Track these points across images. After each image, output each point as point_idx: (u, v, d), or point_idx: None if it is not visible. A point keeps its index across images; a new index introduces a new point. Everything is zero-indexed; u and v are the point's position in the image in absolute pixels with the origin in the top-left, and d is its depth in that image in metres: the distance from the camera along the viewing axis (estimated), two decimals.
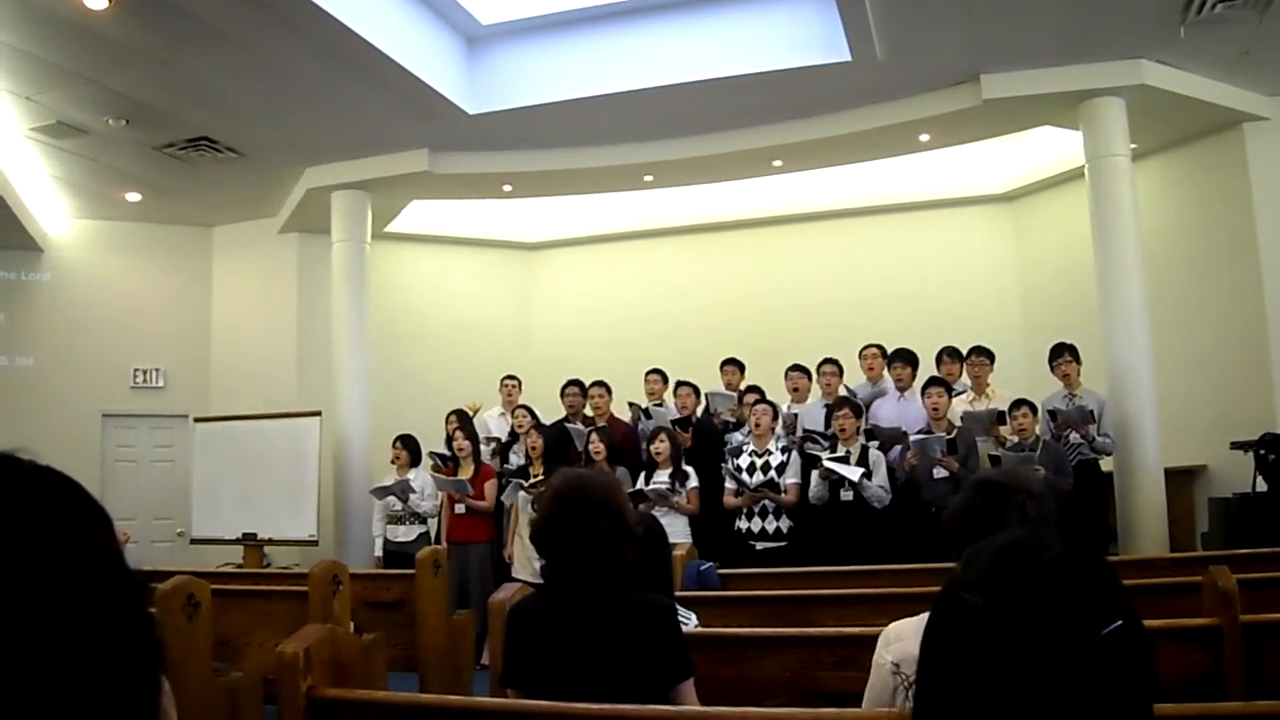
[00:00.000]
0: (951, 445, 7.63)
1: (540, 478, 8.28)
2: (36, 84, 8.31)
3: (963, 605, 1.27)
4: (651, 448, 8.17)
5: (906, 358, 8.63)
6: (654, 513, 7.59)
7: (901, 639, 2.33)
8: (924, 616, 1.38)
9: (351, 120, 9.42)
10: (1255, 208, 9.27)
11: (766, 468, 7.76)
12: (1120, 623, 1.21)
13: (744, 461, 7.86)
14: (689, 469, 8.03)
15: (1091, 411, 7.93)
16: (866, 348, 9.05)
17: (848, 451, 7.72)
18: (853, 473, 7.48)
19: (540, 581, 2.83)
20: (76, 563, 1.03)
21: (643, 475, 8.16)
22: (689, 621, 3.73)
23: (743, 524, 7.76)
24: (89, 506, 1.09)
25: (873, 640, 2.46)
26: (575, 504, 2.72)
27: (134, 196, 11.18)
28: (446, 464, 9.16)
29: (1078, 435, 7.94)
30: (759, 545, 7.66)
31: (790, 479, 7.75)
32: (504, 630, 2.80)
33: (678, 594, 4.32)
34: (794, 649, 3.77)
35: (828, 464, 7.55)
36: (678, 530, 7.71)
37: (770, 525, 7.69)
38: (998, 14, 7.84)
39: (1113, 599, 1.24)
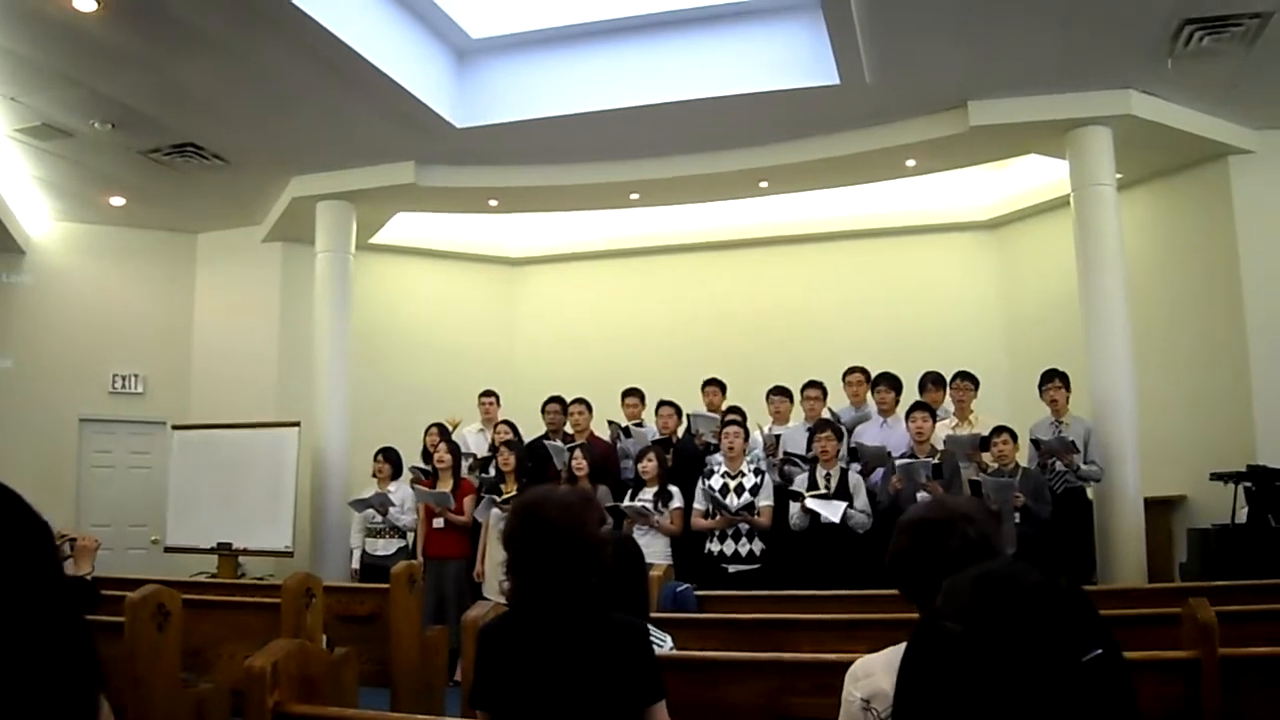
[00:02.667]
0: (937, 470, 7.62)
1: (513, 495, 8.23)
2: (22, 85, 8.26)
3: (942, 634, 1.25)
4: (639, 466, 8.14)
5: (890, 382, 8.61)
6: (634, 531, 7.62)
7: (870, 675, 2.30)
8: (892, 651, 1.37)
9: (338, 131, 9.40)
10: (1239, 240, 9.31)
11: (740, 489, 7.72)
12: (1100, 650, 1.20)
13: (716, 483, 7.81)
14: (674, 489, 8.00)
15: (1073, 441, 7.94)
16: (850, 371, 9.03)
17: (828, 474, 7.70)
18: (835, 514, 7.45)
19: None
20: (12, 582, 0.99)
21: (628, 493, 8.13)
22: (664, 644, 3.70)
23: (714, 546, 7.71)
24: (29, 522, 1.06)
25: (849, 667, 2.43)
26: (529, 521, 2.69)
27: (118, 201, 11.13)
28: (426, 478, 9.11)
29: (1062, 464, 7.94)
30: (731, 568, 7.61)
31: (764, 501, 7.71)
32: (474, 649, 2.76)
33: (653, 615, 4.28)
34: (769, 674, 3.74)
35: (810, 504, 7.53)
36: (657, 550, 7.68)
37: (744, 548, 7.65)
38: (987, 41, 7.87)
39: (1092, 627, 1.23)
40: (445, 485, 8.78)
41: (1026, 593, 1.24)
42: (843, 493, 7.62)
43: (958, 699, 1.20)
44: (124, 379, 11.94)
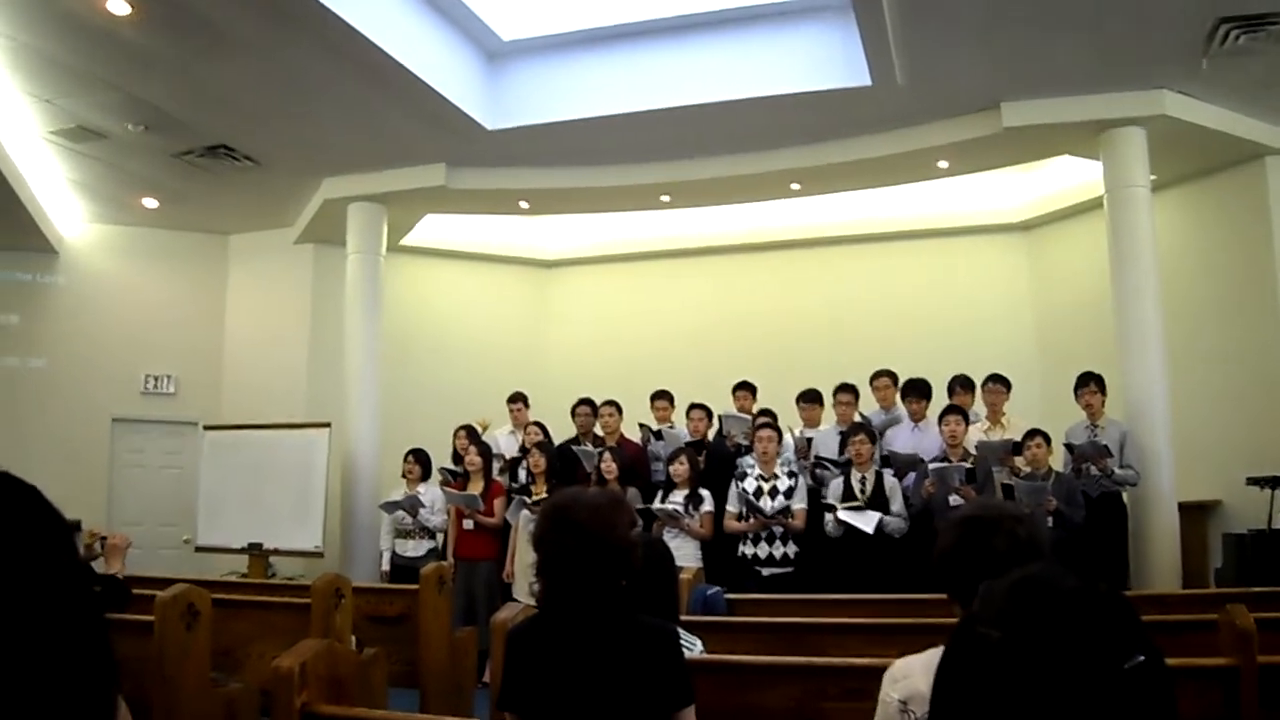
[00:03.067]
0: (970, 474, 7.56)
1: (544, 496, 8.22)
2: (58, 88, 8.33)
3: (979, 640, 1.22)
4: (671, 468, 8.11)
5: (920, 390, 8.52)
6: (664, 534, 7.59)
7: (909, 676, 2.27)
8: (931, 653, 1.34)
9: (370, 133, 9.43)
10: (1275, 241, 9.21)
11: (774, 492, 7.68)
12: (1142, 658, 1.17)
13: (750, 486, 7.78)
14: (705, 492, 7.97)
15: (1105, 445, 7.84)
16: (877, 376, 8.96)
17: (863, 478, 7.66)
18: (868, 525, 7.41)
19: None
20: (28, 578, 0.98)
21: (659, 495, 8.10)
22: (694, 648, 3.67)
23: (748, 549, 7.67)
24: (47, 518, 1.05)
25: (881, 672, 2.41)
26: (560, 523, 2.67)
27: (151, 202, 11.20)
28: (456, 479, 9.11)
29: (1096, 469, 7.86)
30: (766, 571, 7.57)
31: (798, 504, 7.67)
32: (503, 651, 2.75)
33: (683, 618, 4.26)
34: (800, 679, 3.71)
35: (843, 516, 7.49)
36: (688, 553, 7.66)
37: (778, 551, 7.61)
38: (1019, 42, 7.80)
39: (1134, 633, 1.20)
40: (476, 487, 8.78)
41: (1066, 598, 1.21)
42: (879, 496, 7.58)
43: (995, 706, 1.17)
44: (156, 379, 12.02)
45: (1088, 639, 1.17)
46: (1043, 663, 1.15)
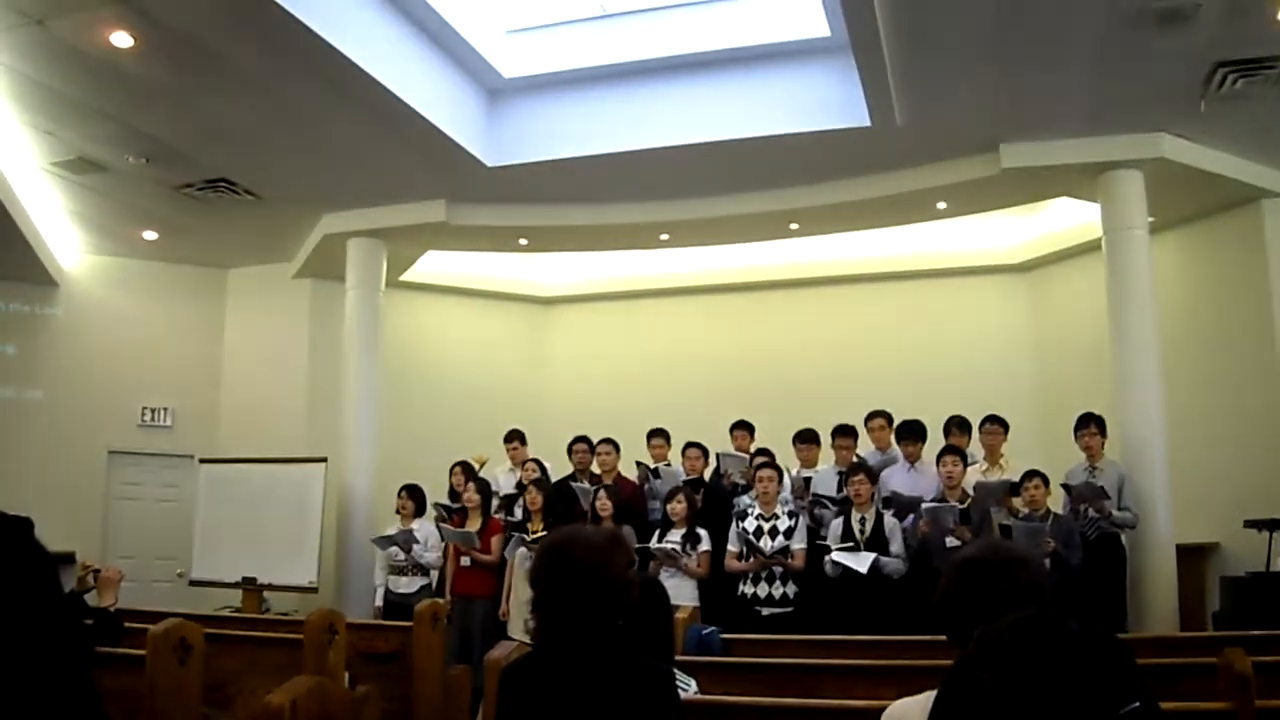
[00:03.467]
0: (964, 515, 7.54)
1: (540, 534, 8.18)
2: (58, 119, 8.36)
3: (974, 683, 1.21)
4: (668, 506, 8.08)
5: (915, 431, 8.49)
6: (662, 572, 7.56)
7: (905, 718, 2.26)
8: (928, 695, 1.33)
9: (370, 168, 9.46)
10: (1272, 284, 9.24)
11: (775, 532, 7.66)
12: (1138, 704, 1.16)
13: (750, 525, 7.76)
14: (702, 532, 7.93)
15: (1102, 487, 7.82)
16: (872, 417, 8.92)
17: (863, 518, 7.62)
18: (862, 566, 7.37)
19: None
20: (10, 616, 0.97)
21: (656, 534, 8.07)
22: (688, 688, 3.65)
23: (748, 589, 7.64)
24: (30, 558, 1.04)
25: (877, 715, 2.38)
26: (558, 560, 2.66)
27: (150, 235, 11.23)
28: (452, 515, 9.06)
29: (1094, 510, 7.84)
30: (765, 611, 7.54)
31: (797, 544, 7.64)
32: (497, 690, 2.73)
33: (678, 658, 4.23)
34: None
35: (837, 557, 7.46)
36: (685, 593, 7.61)
37: (777, 591, 7.57)
38: (1018, 84, 7.86)
39: (1130, 679, 1.19)
40: (474, 524, 8.74)
41: (1062, 643, 1.21)
42: (878, 537, 7.54)
43: None
44: (153, 412, 12.00)
45: (1083, 684, 1.16)
46: (1037, 707, 1.14)
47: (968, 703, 1.21)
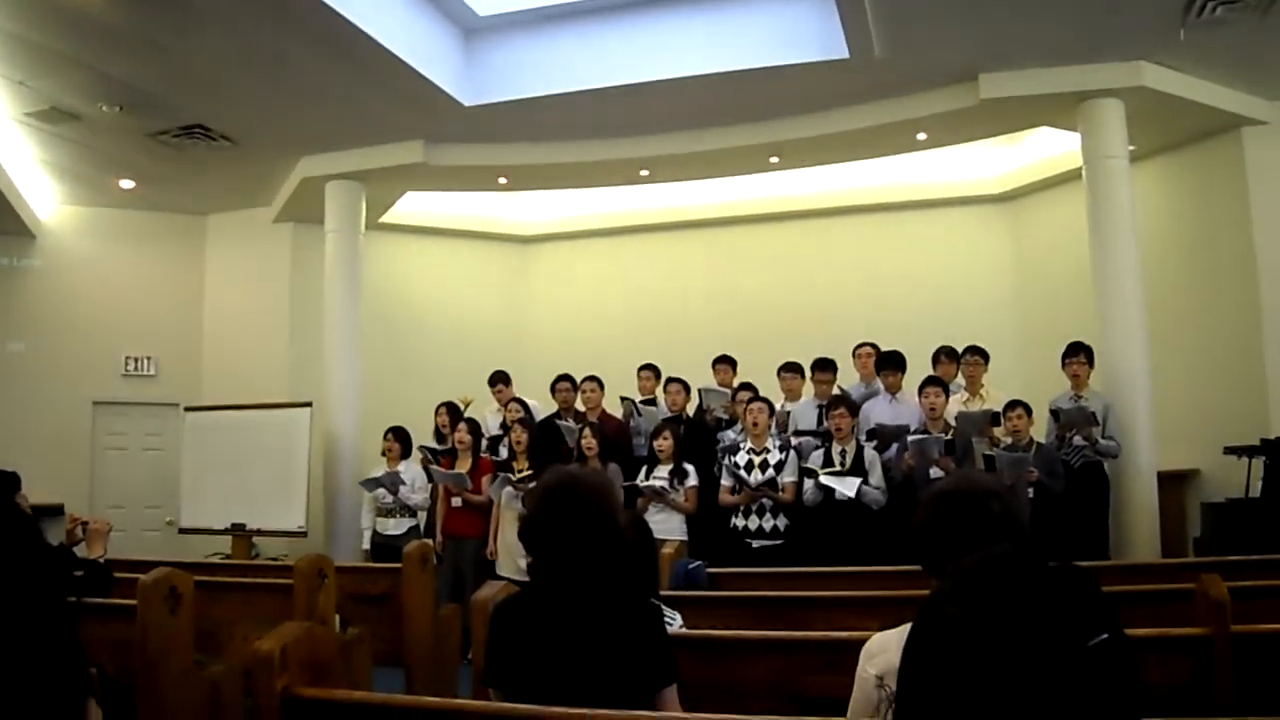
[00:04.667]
0: (949, 446, 7.59)
1: (526, 473, 8.22)
2: (30, 69, 8.26)
3: (945, 618, 1.23)
4: (655, 443, 8.12)
5: (895, 362, 8.52)
6: (650, 508, 7.63)
7: (885, 651, 2.29)
8: (906, 628, 1.34)
9: (347, 110, 9.38)
10: (1252, 212, 9.25)
11: (765, 465, 7.71)
12: (1106, 635, 1.18)
13: (742, 459, 7.81)
14: (689, 467, 7.99)
15: (1093, 414, 7.88)
16: (860, 346, 9.03)
17: (843, 451, 7.68)
18: (849, 489, 7.43)
19: (524, 579, 2.79)
20: None
21: (643, 470, 8.12)
22: (673, 622, 3.70)
23: (739, 522, 7.72)
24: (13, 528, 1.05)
25: (860, 645, 2.43)
26: (564, 501, 2.69)
27: (128, 183, 11.14)
28: (441, 457, 9.09)
29: (1080, 437, 7.89)
30: (755, 543, 7.61)
31: (788, 478, 7.70)
32: (487, 629, 2.76)
33: (664, 593, 4.28)
34: (780, 653, 3.73)
35: (824, 480, 7.51)
36: (673, 528, 7.71)
37: (767, 523, 7.65)
38: (997, 13, 7.80)
39: (1098, 611, 1.21)
40: (464, 464, 8.77)
41: (1030, 577, 1.23)
42: (858, 469, 7.60)
43: (960, 683, 1.19)
44: (136, 361, 11.98)
45: (1050, 617, 1.18)
46: (1005, 641, 1.16)
47: (939, 637, 1.24)
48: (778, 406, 8.56)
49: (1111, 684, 1.18)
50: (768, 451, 7.79)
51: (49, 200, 11.58)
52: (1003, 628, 1.17)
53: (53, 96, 8.77)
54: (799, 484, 7.72)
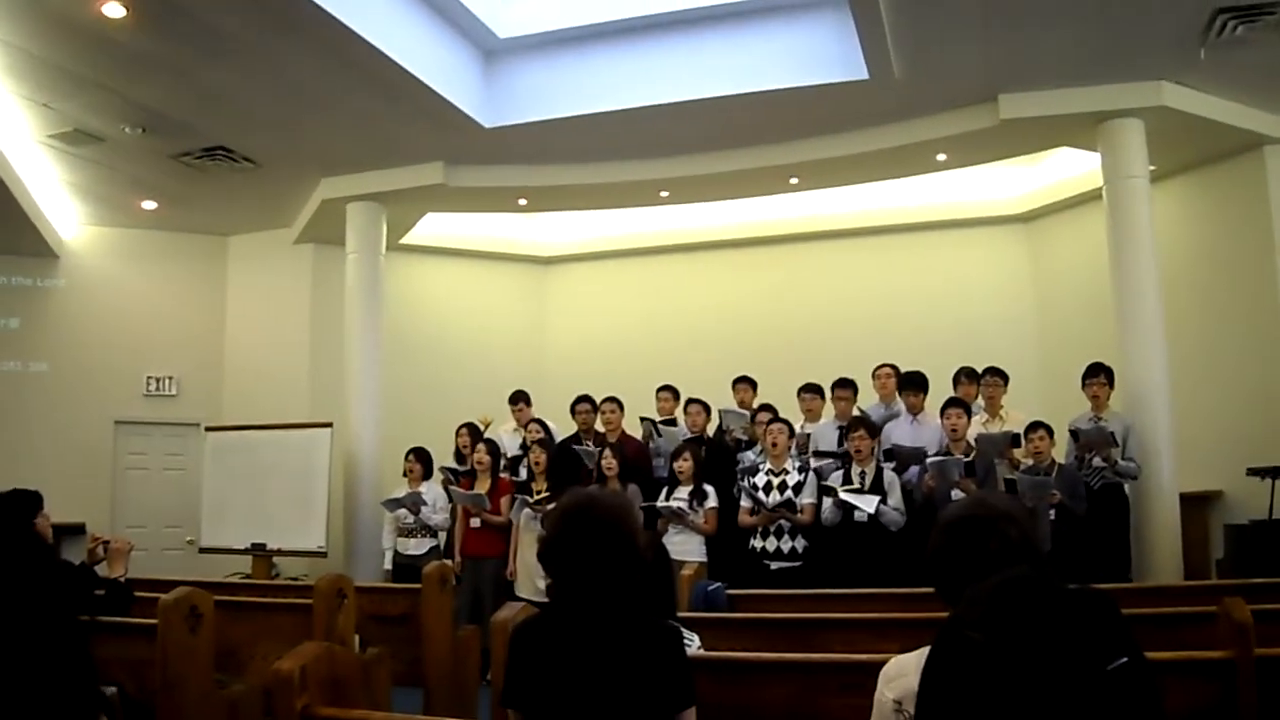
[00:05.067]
0: (969, 467, 7.56)
1: (544, 494, 8.23)
2: (54, 91, 8.34)
3: (964, 642, 1.23)
4: (675, 464, 8.12)
5: (917, 384, 8.51)
6: (670, 529, 7.63)
7: (903, 675, 2.27)
8: (925, 651, 1.34)
9: (367, 132, 9.43)
10: (1275, 231, 9.19)
11: (784, 487, 7.70)
12: (1126, 659, 1.18)
13: (760, 480, 7.80)
14: (709, 488, 7.98)
15: (1113, 434, 7.83)
16: (880, 368, 8.98)
17: (863, 473, 7.65)
18: (869, 505, 7.41)
19: (543, 600, 2.79)
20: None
21: (664, 491, 8.11)
22: (691, 644, 3.69)
23: (758, 543, 7.71)
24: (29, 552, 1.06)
25: (879, 667, 2.41)
26: (584, 523, 2.69)
27: (150, 204, 11.21)
28: (461, 478, 9.10)
29: (1100, 458, 7.85)
30: (774, 565, 7.60)
31: (807, 499, 7.68)
32: (506, 649, 2.76)
33: (682, 614, 4.27)
34: (799, 675, 3.72)
35: (844, 496, 7.49)
36: (692, 549, 7.72)
37: (785, 545, 7.63)
38: (1016, 34, 7.80)
39: (1118, 635, 1.21)
40: (483, 485, 8.77)
41: (1049, 601, 1.22)
42: (878, 491, 7.57)
43: (980, 707, 1.18)
44: (158, 381, 12.04)
45: (1070, 641, 1.18)
46: (1025, 665, 1.16)
47: (958, 661, 1.23)
48: (797, 428, 8.54)
49: (1131, 707, 1.17)
50: (786, 473, 7.78)
51: (72, 221, 11.67)
52: (1022, 652, 1.17)
53: (76, 119, 8.85)
54: (818, 505, 7.70)
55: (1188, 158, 9.68)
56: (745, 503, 7.84)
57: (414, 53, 8.18)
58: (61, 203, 11.16)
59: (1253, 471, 8.44)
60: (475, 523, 8.66)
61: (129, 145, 9.41)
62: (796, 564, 7.58)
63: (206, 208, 11.35)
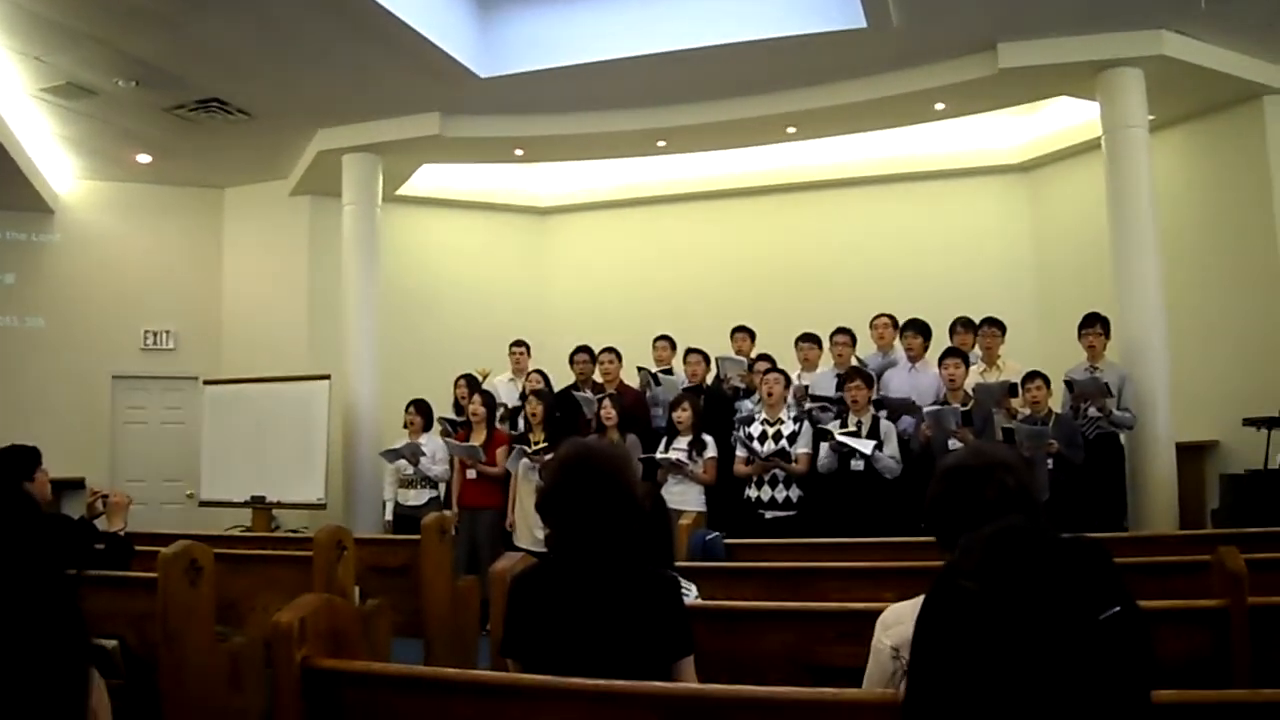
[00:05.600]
0: (966, 417, 7.57)
1: (542, 445, 8.24)
2: (46, 45, 8.28)
3: (958, 591, 1.24)
4: (674, 414, 8.12)
5: (919, 327, 8.53)
6: (669, 479, 7.64)
7: (900, 622, 2.30)
8: (921, 599, 1.35)
9: (362, 83, 9.38)
10: (1274, 181, 9.18)
11: (779, 436, 7.71)
12: (1118, 609, 1.19)
13: (755, 430, 7.81)
14: (708, 438, 7.98)
15: (1107, 385, 7.84)
16: (878, 317, 8.97)
17: (859, 422, 7.66)
18: (865, 446, 7.42)
19: (542, 550, 2.81)
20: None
21: (663, 441, 8.12)
22: (689, 593, 3.71)
23: (752, 492, 7.72)
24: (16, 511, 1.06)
25: (876, 616, 2.44)
26: (582, 473, 2.71)
27: (144, 158, 11.16)
28: (458, 429, 9.12)
29: (1095, 408, 7.87)
30: (768, 514, 7.61)
31: (801, 448, 7.68)
32: (505, 599, 2.78)
33: (680, 564, 4.30)
34: (796, 623, 3.74)
35: (840, 438, 7.50)
36: (691, 499, 7.73)
37: (780, 494, 7.64)
38: None
39: (1110, 584, 1.22)
40: (479, 436, 8.79)
41: (1042, 551, 1.23)
42: (874, 438, 7.59)
43: (973, 656, 1.19)
44: (155, 335, 12.04)
45: (1063, 591, 1.18)
46: (1018, 615, 1.17)
47: (951, 610, 1.24)
48: (795, 377, 8.55)
49: (1124, 657, 1.18)
50: (781, 423, 7.78)
51: (67, 175, 11.62)
52: (1015, 601, 1.18)
53: (69, 72, 8.79)
54: (813, 455, 7.71)
55: (1187, 107, 9.64)
56: (740, 452, 7.85)
57: (409, 2, 8.10)
58: (56, 157, 11.11)
59: (1249, 422, 8.47)
60: (471, 474, 8.69)
61: (122, 98, 9.34)
62: (791, 513, 7.59)
63: (201, 160, 11.30)
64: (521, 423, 8.97)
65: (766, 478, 7.68)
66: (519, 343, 10.01)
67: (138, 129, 10.22)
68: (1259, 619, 3.42)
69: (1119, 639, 1.18)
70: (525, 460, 8.32)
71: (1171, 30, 8.49)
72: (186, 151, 10.91)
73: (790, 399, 8.16)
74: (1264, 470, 8.24)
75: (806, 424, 7.87)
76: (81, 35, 8.11)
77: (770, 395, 7.89)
